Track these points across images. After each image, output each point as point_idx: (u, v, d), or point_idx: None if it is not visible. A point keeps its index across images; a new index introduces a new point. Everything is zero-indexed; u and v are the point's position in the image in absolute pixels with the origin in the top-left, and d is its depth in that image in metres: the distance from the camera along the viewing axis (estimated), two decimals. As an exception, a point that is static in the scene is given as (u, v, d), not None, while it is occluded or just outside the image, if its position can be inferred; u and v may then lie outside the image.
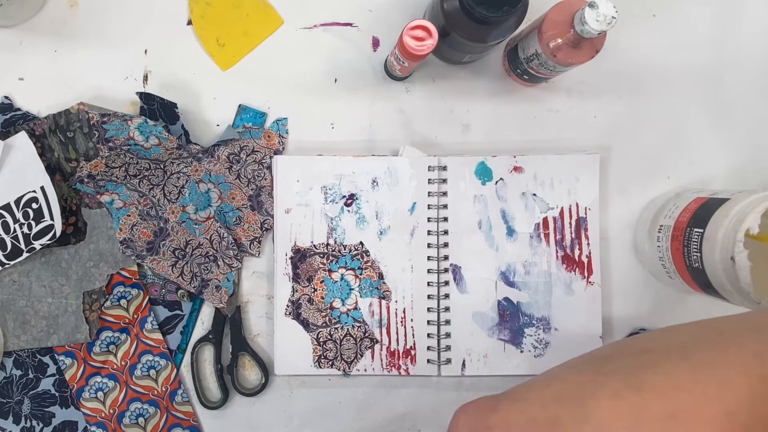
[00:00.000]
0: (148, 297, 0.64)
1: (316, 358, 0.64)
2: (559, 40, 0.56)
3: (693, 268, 0.57)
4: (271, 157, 0.64)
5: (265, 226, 0.65)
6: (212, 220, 0.64)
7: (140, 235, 0.63)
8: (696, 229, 0.56)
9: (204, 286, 0.64)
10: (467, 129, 0.67)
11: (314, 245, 0.64)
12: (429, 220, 0.64)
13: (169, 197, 0.64)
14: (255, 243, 0.65)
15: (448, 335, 0.64)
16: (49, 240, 0.61)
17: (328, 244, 0.64)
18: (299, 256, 0.64)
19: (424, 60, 0.60)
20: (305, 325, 0.64)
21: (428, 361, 0.64)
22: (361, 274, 0.64)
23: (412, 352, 0.65)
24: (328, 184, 0.64)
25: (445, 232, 0.65)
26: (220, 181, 0.64)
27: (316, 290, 0.64)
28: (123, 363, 0.64)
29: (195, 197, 0.64)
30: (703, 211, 0.57)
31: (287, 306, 0.64)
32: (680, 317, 0.67)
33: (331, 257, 0.64)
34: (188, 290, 0.64)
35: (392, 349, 0.64)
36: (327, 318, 0.64)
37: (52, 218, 0.61)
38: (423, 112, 0.67)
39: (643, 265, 0.67)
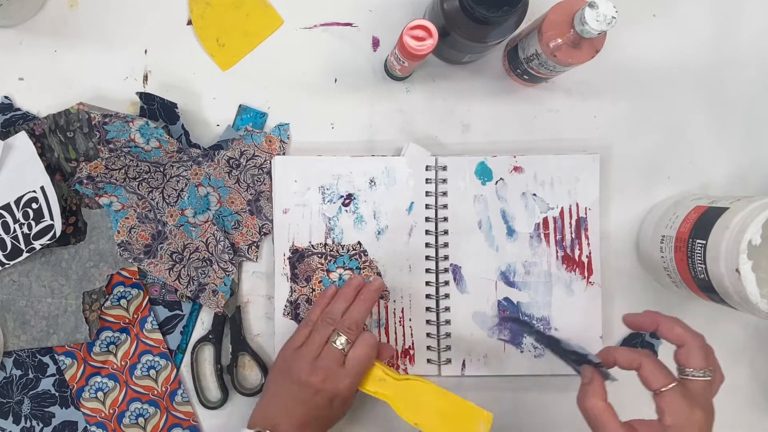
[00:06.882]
0: (148, 297, 0.64)
1: None
2: (559, 40, 0.56)
3: (699, 279, 0.57)
4: (271, 162, 0.64)
5: (264, 230, 0.65)
6: (210, 223, 0.64)
7: (138, 238, 0.63)
8: (698, 241, 0.56)
9: (201, 290, 0.64)
10: (467, 129, 0.67)
11: (312, 245, 0.64)
12: (427, 219, 0.64)
13: (168, 200, 0.64)
14: (253, 247, 0.65)
15: (448, 335, 0.64)
16: (49, 240, 0.61)
17: (326, 244, 0.64)
18: (297, 257, 0.64)
19: (424, 60, 0.60)
20: (304, 325, 0.64)
21: (428, 360, 0.64)
22: (359, 274, 0.64)
23: (411, 352, 0.64)
24: (326, 184, 0.64)
25: (445, 232, 0.64)
26: (220, 185, 0.64)
27: (314, 290, 0.64)
28: (123, 363, 0.64)
29: (194, 201, 0.64)
30: (704, 221, 0.57)
31: (285, 306, 0.64)
32: (680, 317, 0.67)
33: (329, 257, 0.64)
34: (185, 294, 0.64)
35: (391, 349, 0.64)
36: None
37: (52, 218, 0.61)
38: (423, 112, 0.67)
39: (649, 274, 0.66)
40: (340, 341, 0.56)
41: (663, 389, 0.47)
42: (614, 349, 0.51)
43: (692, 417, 0.46)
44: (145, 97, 0.64)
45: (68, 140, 0.63)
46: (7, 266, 0.62)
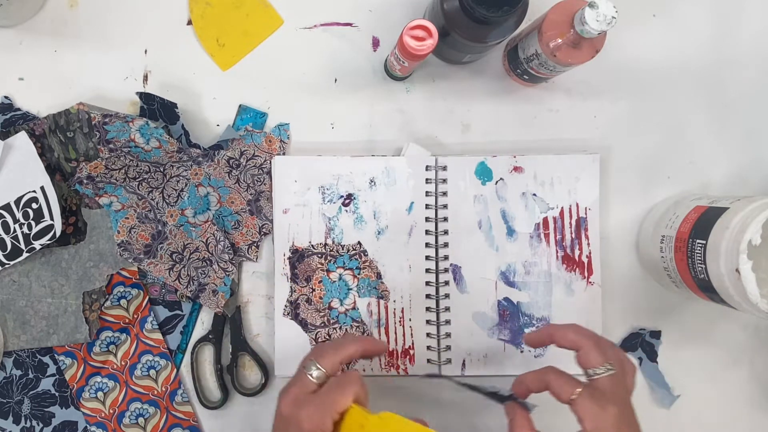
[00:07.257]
0: (148, 297, 0.64)
1: None
2: (559, 40, 0.56)
3: (699, 279, 0.57)
4: (271, 162, 0.64)
5: (264, 230, 0.65)
6: (210, 223, 0.64)
7: (138, 238, 0.63)
8: (698, 241, 0.56)
9: (201, 290, 0.64)
10: (467, 129, 0.67)
11: (312, 245, 0.64)
12: (427, 219, 0.64)
13: (168, 200, 0.64)
14: (253, 247, 0.65)
15: (448, 335, 0.64)
16: (49, 240, 0.61)
17: (326, 244, 0.64)
18: (297, 257, 0.64)
19: (424, 60, 0.60)
20: (303, 325, 0.64)
21: (428, 360, 0.64)
22: (359, 274, 0.64)
23: (411, 352, 0.64)
24: (326, 184, 0.64)
25: (445, 232, 0.65)
26: (220, 185, 0.64)
27: (314, 290, 0.64)
28: (123, 363, 0.64)
29: (194, 201, 0.64)
30: (704, 221, 0.57)
31: (285, 306, 0.64)
32: (680, 317, 0.67)
33: (329, 257, 0.64)
34: (185, 294, 0.64)
35: (391, 349, 0.64)
36: (325, 318, 0.64)
37: (52, 218, 0.61)
38: (423, 112, 0.67)
39: (649, 274, 0.66)
40: (311, 369, 0.51)
41: (573, 397, 0.48)
42: (523, 377, 0.52)
43: (604, 415, 0.46)
44: (145, 97, 0.64)
45: (68, 140, 0.63)
46: (7, 266, 0.62)
